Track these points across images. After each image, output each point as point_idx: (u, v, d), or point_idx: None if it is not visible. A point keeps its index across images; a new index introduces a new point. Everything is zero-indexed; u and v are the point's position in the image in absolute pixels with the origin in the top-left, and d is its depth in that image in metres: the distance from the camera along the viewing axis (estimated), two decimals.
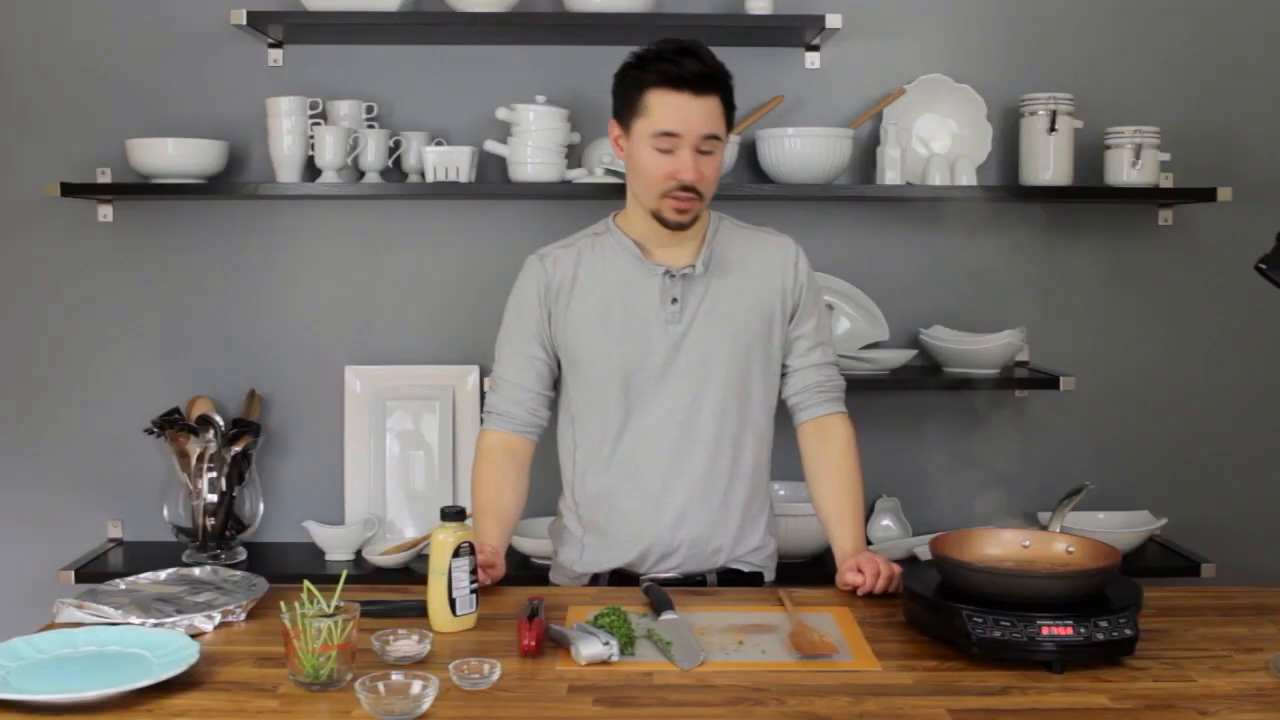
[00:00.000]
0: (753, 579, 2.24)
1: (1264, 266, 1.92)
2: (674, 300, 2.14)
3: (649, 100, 2.08)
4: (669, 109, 2.06)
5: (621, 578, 2.19)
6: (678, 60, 2.06)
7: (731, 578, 2.21)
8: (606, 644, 1.70)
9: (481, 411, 2.96)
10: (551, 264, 2.21)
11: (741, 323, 2.16)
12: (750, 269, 2.19)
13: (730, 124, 2.15)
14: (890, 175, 2.82)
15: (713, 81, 2.08)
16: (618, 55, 2.92)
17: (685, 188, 2.07)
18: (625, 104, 2.13)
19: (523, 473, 2.26)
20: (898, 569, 2.01)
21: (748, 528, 2.22)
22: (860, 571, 2.02)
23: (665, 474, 2.15)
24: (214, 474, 2.83)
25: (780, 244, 2.24)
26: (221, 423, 2.85)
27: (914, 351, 2.91)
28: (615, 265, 2.18)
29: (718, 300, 2.15)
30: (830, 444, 2.23)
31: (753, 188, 2.84)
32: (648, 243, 2.18)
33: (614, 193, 2.82)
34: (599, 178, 2.85)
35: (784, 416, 2.28)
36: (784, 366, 2.24)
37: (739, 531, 2.20)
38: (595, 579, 2.22)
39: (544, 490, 3.00)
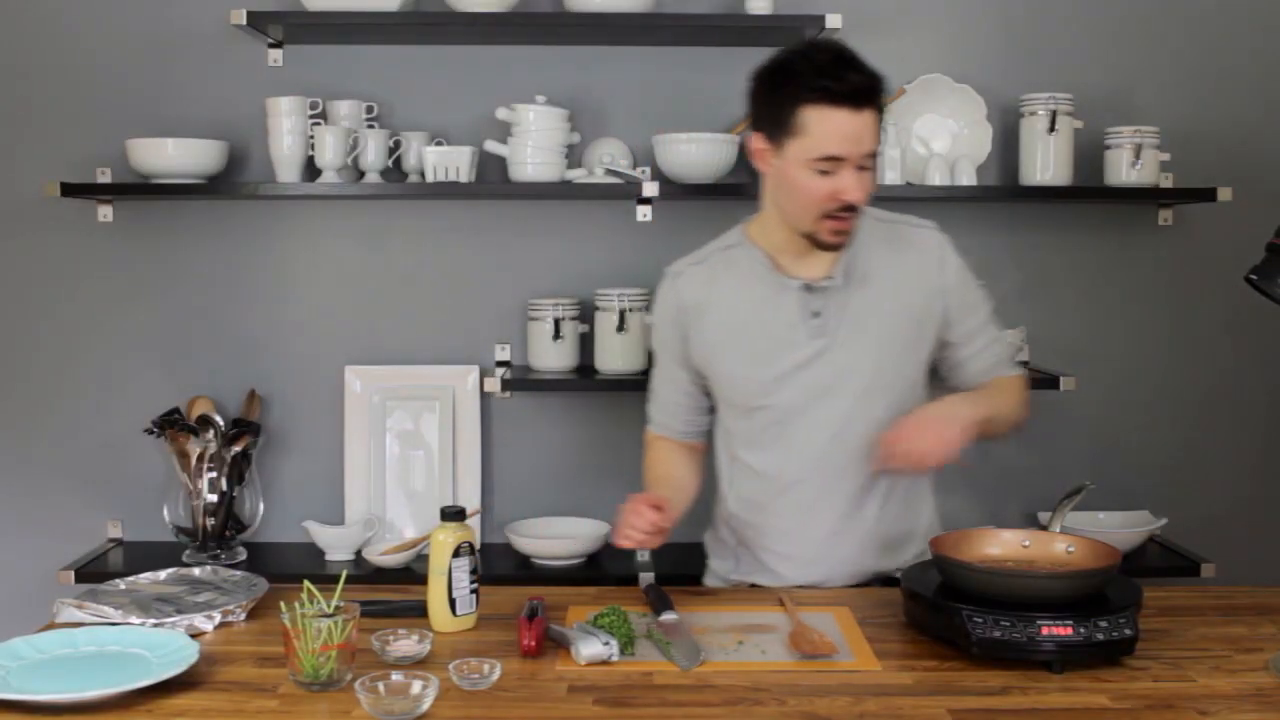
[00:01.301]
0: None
1: (1254, 277, 1.92)
2: (815, 314, 2.03)
3: (806, 119, 1.90)
4: (830, 130, 1.89)
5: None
6: (838, 73, 1.89)
7: (876, 578, 2.15)
8: (606, 644, 1.70)
9: (486, 406, 2.97)
10: (684, 284, 2.12)
11: (888, 331, 2.05)
12: (894, 273, 2.06)
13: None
14: (890, 175, 2.82)
15: (874, 93, 1.92)
16: (618, 55, 2.95)
17: (848, 207, 1.94)
18: (773, 120, 1.95)
19: (694, 456, 2.22)
20: (937, 450, 1.91)
21: (905, 539, 2.14)
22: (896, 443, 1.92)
23: (817, 490, 2.08)
24: (214, 474, 2.83)
25: (922, 241, 2.10)
26: (221, 423, 2.85)
27: None
28: (749, 282, 2.07)
29: (861, 309, 2.04)
30: (999, 379, 2.13)
31: (752, 188, 2.83)
32: (782, 255, 2.06)
33: (614, 193, 2.83)
34: (599, 178, 2.85)
35: None
36: (949, 360, 2.13)
37: (896, 542, 2.13)
38: (755, 587, 2.16)
39: (559, 492, 3.02)
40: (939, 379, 2.17)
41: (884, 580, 2.14)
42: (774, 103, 1.95)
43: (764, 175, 2.04)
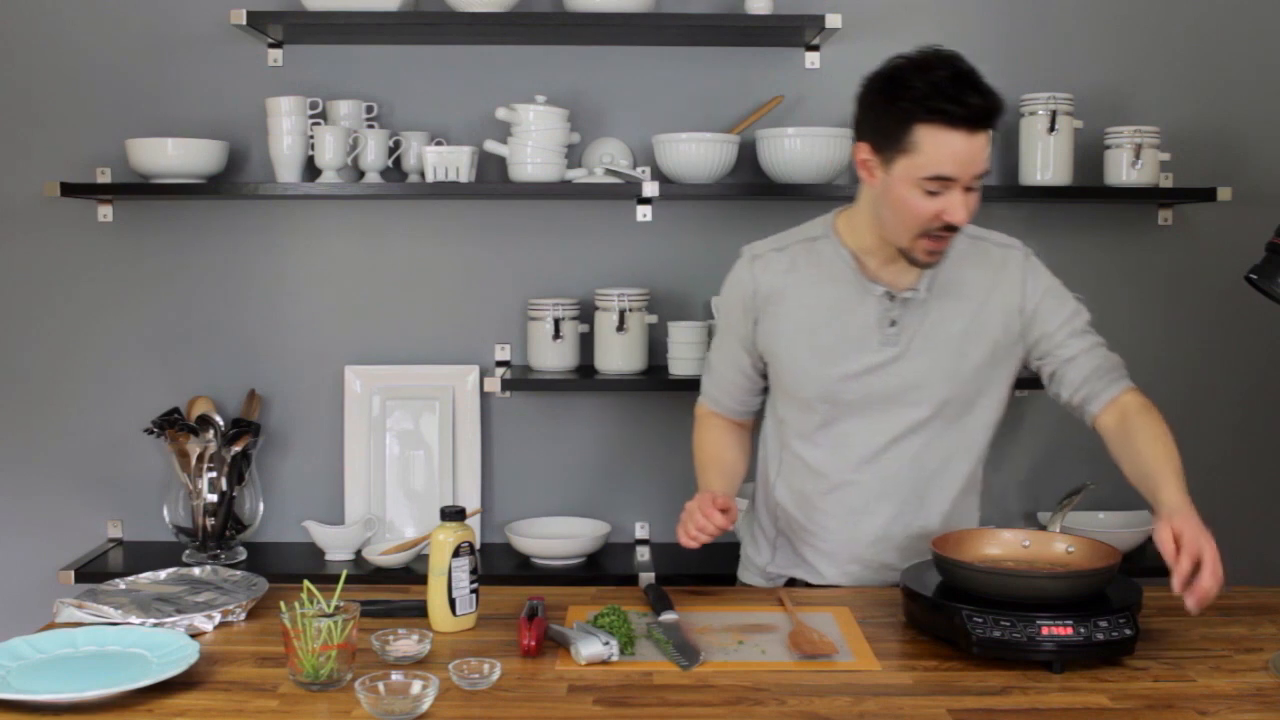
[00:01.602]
0: None
1: (1254, 277, 1.92)
2: (892, 323, 2.01)
3: (919, 137, 1.85)
4: (944, 151, 1.85)
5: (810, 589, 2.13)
6: (957, 94, 1.83)
7: None
8: (606, 644, 1.70)
9: (488, 401, 2.97)
10: (762, 268, 2.08)
11: (962, 349, 2.02)
12: (975, 291, 2.03)
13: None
14: None
15: (992, 115, 1.86)
16: (618, 55, 2.95)
17: (949, 227, 1.91)
18: (884, 133, 1.89)
19: (744, 436, 2.21)
20: (1215, 562, 1.70)
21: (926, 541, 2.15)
22: (1177, 547, 1.72)
23: (869, 495, 2.07)
24: (214, 474, 2.83)
25: (1005, 260, 2.06)
26: (221, 423, 2.85)
27: None
28: (830, 279, 2.04)
29: (938, 325, 2.01)
30: (1131, 415, 2.00)
31: (752, 188, 2.83)
32: (868, 256, 2.03)
33: (613, 193, 2.83)
34: (599, 178, 2.85)
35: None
36: (1049, 370, 2.07)
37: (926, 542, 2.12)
38: (791, 583, 2.16)
39: (559, 492, 3.02)
40: (1043, 388, 2.11)
41: None
42: (887, 116, 1.89)
43: (866, 183, 1.99)
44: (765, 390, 2.20)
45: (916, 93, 1.85)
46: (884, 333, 2.02)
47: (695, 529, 1.91)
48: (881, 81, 1.92)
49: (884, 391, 2.03)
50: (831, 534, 2.11)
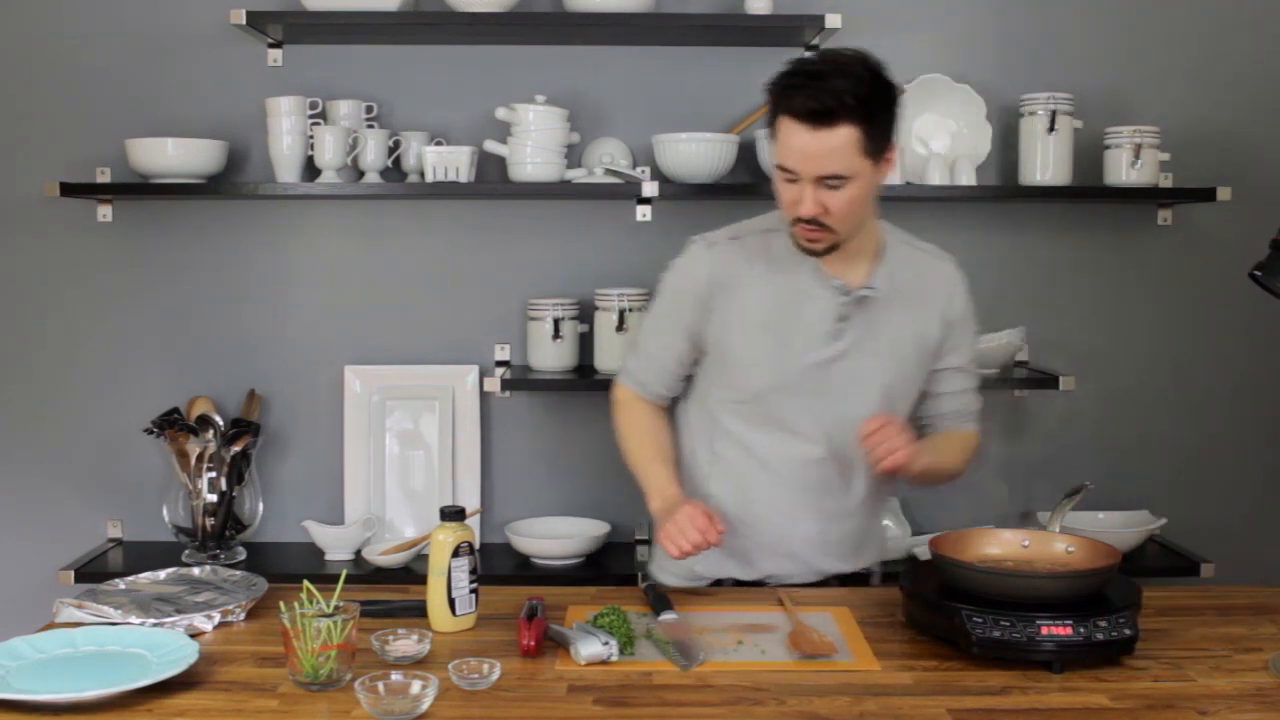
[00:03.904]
0: (863, 577, 2.21)
1: (1259, 274, 1.92)
2: (842, 319, 2.03)
3: (779, 126, 1.91)
4: (790, 142, 1.89)
5: (739, 586, 2.15)
6: (807, 88, 1.86)
7: (835, 577, 2.18)
8: (606, 644, 1.70)
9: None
10: (719, 257, 2.07)
11: (900, 350, 2.06)
12: (916, 296, 2.07)
13: (881, 148, 1.91)
14: (890, 175, 2.81)
15: (835, 115, 1.85)
16: (618, 55, 2.96)
17: (806, 220, 1.94)
18: (770, 120, 1.96)
19: (668, 420, 2.22)
20: (905, 459, 1.89)
21: (870, 544, 2.20)
22: (877, 436, 1.89)
23: (804, 491, 2.09)
24: (214, 474, 2.83)
25: (944, 271, 2.12)
26: (221, 423, 2.85)
27: None
28: (784, 271, 2.05)
29: (881, 325, 2.04)
30: (956, 434, 2.16)
31: (752, 188, 2.83)
32: None
33: (613, 193, 2.83)
34: (599, 178, 2.85)
35: None
36: (924, 390, 2.14)
37: (861, 547, 2.18)
38: (718, 583, 2.17)
39: (559, 490, 3.02)
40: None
41: (840, 579, 2.18)
42: (771, 105, 1.95)
43: None
44: (688, 376, 2.21)
45: (779, 82, 1.92)
46: (833, 327, 2.03)
47: (690, 544, 1.91)
48: (778, 73, 1.97)
49: (827, 388, 2.05)
50: (772, 526, 2.12)
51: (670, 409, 2.25)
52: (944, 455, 2.12)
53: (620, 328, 2.81)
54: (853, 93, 1.85)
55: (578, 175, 2.85)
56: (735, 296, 2.06)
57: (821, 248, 1.98)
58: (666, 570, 2.21)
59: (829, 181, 1.89)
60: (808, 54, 1.93)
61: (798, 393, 2.05)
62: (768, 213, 2.12)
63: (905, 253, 2.10)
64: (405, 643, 1.72)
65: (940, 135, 2.95)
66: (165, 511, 2.89)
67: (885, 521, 2.94)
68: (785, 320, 2.04)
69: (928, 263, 2.12)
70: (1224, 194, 2.81)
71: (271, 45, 2.92)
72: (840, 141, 1.86)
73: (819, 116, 1.85)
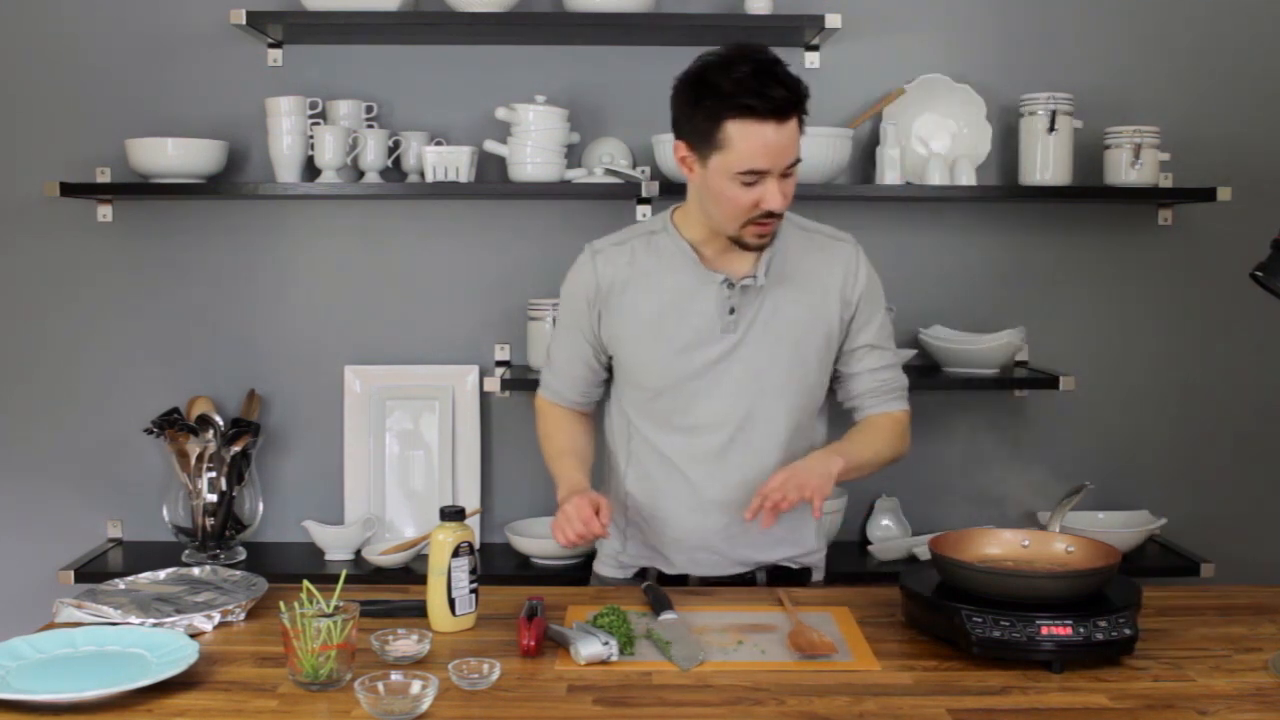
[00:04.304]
0: (800, 575, 2.21)
1: (1260, 274, 1.92)
2: (731, 310, 2.05)
3: (729, 134, 1.90)
4: (755, 144, 1.89)
5: (664, 579, 2.17)
6: (762, 89, 1.87)
7: (780, 575, 2.19)
8: (606, 644, 1.70)
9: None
10: (604, 262, 2.12)
11: (799, 334, 2.08)
12: (810, 278, 2.09)
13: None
14: (890, 175, 2.82)
15: (796, 105, 1.90)
16: (618, 55, 2.95)
17: (770, 214, 1.96)
18: (697, 132, 1.94)
19: (589, 426, 2.26)
20: (811, 496, 1.93)
21: (797, 534, 2.19)
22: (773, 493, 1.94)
23: (716, 481, 2.11)
24: (214, 474, 2.83)
25: (840, 249, 2.13)
26: (221, 423, 2.85)
27: (913, 351, 2.91)
28: (670, 270, 2.08)
29: (776, 311, 2.07)
30: (874, 419, 2.15)
31: None
32: (705, 247, 2.07)
33: (613, 193, 2.83)
34: (599, 178, 2.85)
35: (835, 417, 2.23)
36: (839, 371, 2.16)
37: (786, 535, 2.17)
38: (643, 573, 2.20)
39: (540, 492, 3.02)
40: (831, 392, 2.20)
41: (771, 570, 2.18)
42: (698, 115, 1.93)
43: (688, 178, 2.05)
44: (607, 381, 2.23)
45: (723, 90, 1.89)
46: (724, 320, 2.06)
47: (575, 535, 1.95)
48: (690, 82, 1.96)
49: (726, 379, 2.08)
50: (681, 520, 2.14)
51: (598, 413, 2.29)
52: (867, 448, 2.11)
53: None
54: (799, 81, 1.91)
55: (578, 175, 2.85)
56: (624, 299, 2.10)
57: (770, 239, 2.03)
58: (604, 562, 2.26)
59: (789, 170, 1.94)
60: (709, 58, 1.95)
61: (697, 389, 2.09)
62: (651, 217, 2.17)
63: (797, 237, 2.12)
64: (405, 643, 1.72)
65: (940, 135, 2.95)
66: (165, 511, 2.89)
67: (884, 521, 2.95)
68: (675, 319, 2.07)
69: (823, 243, 2.14)
70: (1224, 194, 2.81)
71: (271, 45, 2.92)
72: (794, 126, 1.92)
73: (785, 108, 1.89)
